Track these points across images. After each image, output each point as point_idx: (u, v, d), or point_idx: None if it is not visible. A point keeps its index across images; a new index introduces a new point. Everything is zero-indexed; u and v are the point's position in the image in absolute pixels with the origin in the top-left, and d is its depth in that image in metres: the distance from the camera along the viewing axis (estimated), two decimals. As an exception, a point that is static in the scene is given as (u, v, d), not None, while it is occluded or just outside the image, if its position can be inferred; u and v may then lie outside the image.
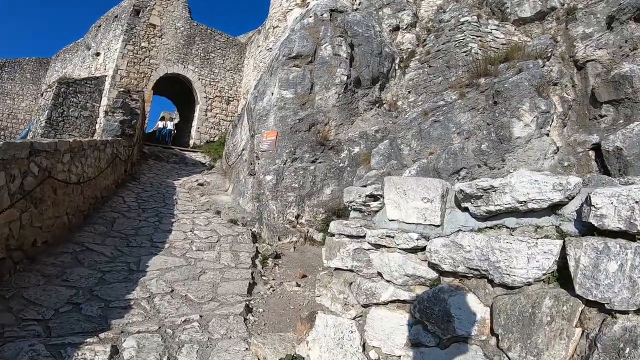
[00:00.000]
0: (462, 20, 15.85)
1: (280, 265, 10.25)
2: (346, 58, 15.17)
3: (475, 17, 15.94)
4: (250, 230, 12.67)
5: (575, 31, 14.32)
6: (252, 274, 8.93)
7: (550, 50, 14.49)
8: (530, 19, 15.98)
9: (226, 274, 8.69)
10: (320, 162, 13.77)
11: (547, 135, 12.28)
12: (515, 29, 16.27)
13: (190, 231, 11.42)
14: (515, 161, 11.26)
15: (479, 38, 15.50)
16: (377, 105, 15.56)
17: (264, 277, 9.14)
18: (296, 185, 13.28)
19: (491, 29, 15.87)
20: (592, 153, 11.87)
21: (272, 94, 15.02)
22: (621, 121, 12.03)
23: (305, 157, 13.71)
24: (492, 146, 11.57)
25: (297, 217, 13.06)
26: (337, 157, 13.92)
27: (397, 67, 16.54)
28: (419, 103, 15.36)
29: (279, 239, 12.44)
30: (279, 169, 13.52)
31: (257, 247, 11.00)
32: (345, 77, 14.80)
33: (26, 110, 36.37)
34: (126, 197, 14.27)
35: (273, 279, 9.16)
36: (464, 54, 15.12)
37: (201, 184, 18.11)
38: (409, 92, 16.13)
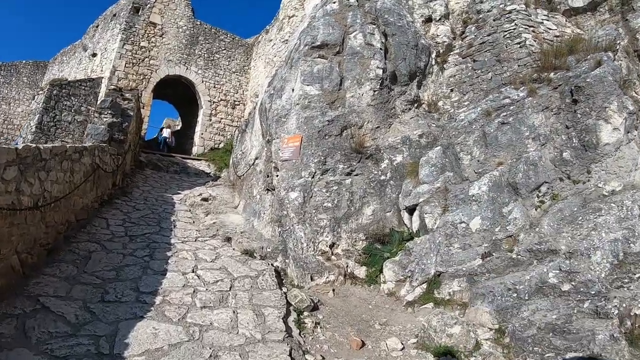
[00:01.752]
0: (508, 8, 12.89)
1: (323, 325, 7.12)
2: (380, 49, 12.09)
3: (524, 6, 13.01)
4: (272, 265, 9.41)
5: (636, 22, 12.08)
6: (289, 351, 5.67)
7: (618, 42, 11.81)
8: (583, 10, 13.39)
9: (251, 358, 5.46)
10: (357, 175, 10.67)
11: (633, 141, 9.44)
12: (565, 20, 13.54)
13: (192, 271, 8.19)
14: (603, 173, 8.54)
15: (532, 28, 12.54)
16: (415, 105, 12.50)
17: (307, 355, 5.88)
18: (329, 204, 10.17)
19: (542, 19, 13.03)
20: None
21: (293, 90, 11.88)
22: None
23: (339, 169, 10.60)
24: (574, 154, 8.85)
25: (332, 246, 9.93)
26: (376, 168, 10.83)
27: (433, 63, 13.42)
28: (465, 103, 12.47)
29: (312, 278, 9.23)
30: (305, 183, 10.38)
31: (286, 295, 7.80)
32: (381, 70, 11.72)
33: (22, 115, 32.80)
34: (111, 219, 10.79)
35: (321, 356, 5.99)
36: (518, 45, 12.07)
37: (205, 199, 14.71)
38: (451, 90, 13.08)
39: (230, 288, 7.70)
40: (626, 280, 7.02)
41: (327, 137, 10.80)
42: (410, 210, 10.12)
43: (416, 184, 10.22)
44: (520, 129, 9.34)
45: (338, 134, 10.87)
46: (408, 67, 12.44)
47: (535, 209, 8.65)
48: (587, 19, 13.48)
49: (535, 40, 12.26)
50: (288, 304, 7.48)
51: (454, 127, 10.46)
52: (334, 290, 8.85)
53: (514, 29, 12.35)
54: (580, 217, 7.96)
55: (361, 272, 9.48)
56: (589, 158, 8.74)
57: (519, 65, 11.72)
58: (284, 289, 8.24)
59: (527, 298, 7.36)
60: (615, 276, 7.11)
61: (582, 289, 6.99)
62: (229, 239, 10.74)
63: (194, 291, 7.25)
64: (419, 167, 10.35)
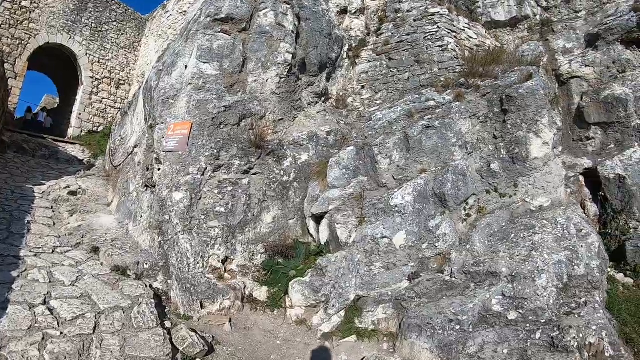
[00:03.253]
0: (431, 11, 12.11)
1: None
2: (292, 32, 10.55)
3: (447, 11, 12.41)
4: (151, 287, 7.30)
5: (556, 44, 12.35)
6: None
7: (542, 58, 11.73)
8: (503, 24, 13.22)
9: None
10: (256, 174, 8.98)
11: (558, 157, 9.09)
12: (485, 32, 13.14)
13: (44, 302, 5.90)
14: (531, 187, 8.13)
15: (454, 34, 11.92)
16: (323, 99, 11.24)
17: None
18: (222, 209, 8.35)
19: (463, 27, 12.49)
20: (582, 178, 10.34)
21: (186, 67, 9.91)
22: (612, 146, 10.65)
23: (235, 165, 8.82)
24: (502, 166, 8.24)
25: (225, 261, 8.15)
26: (278, 167, 9.24)
27: (345, 56, 12.22)
28: (378, 101, 11.41)
29: (202, 305, 7.28)
30: (194, 182, 8.42)
31: (170, 337, 5.84)
32: (290, 56, 10.16)
33: None
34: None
35: None
36: (440, 48, 11.23)
37: (73, 193, 11.89)
38: (362, 87, 11.96)
39: (95, 329, 5.55)
40: (573, 306, 6.50)
41: (222, 126, 9.01)
42: (318, 219, 8.67)
43: (324, 188, 8.81)
44: (447, 135, 8.34)
45: (236, 123, 9.13)
46: (319, 57, 11.06)
47: (462, 222, 7.78)
48: (505, 33, 13.29)
49: (457, 46, 11.46)
50: (174, 349, 5.58)
51: (371, 127, 9.19)
52: (231, 320, 7.01)
53: (437, 31, 11.46)
54: (514, 235, 7.29)
55: (262, 293, 7.79)
56: (517, 171, 8.13)
57: (439, 69, 10.90)
58: (168, 324, 6.33)
59: (471, 330, 6.39)
60: (562, 301, 6.55)
61: (531, 318, 6.31)
62: (96, 250, 8.32)
63: (43, 338, 5.07)
64: (327, 168, 8.96)
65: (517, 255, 6.92)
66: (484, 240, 7.38)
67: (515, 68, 9.60)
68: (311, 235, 8.89)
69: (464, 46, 11.81)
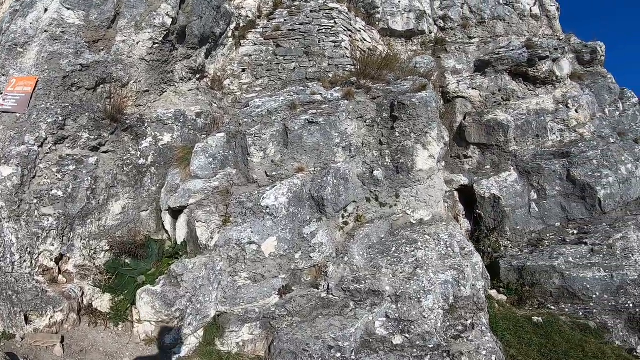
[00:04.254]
0: (330, 5, 11.73)
1: None
2: (178, -8, 9.40)
3: (346, 9, 12.17)
4: None
5: (447, 63, 13.01)
6: None
7: (434, 73, 12.06)
8: (399, 34, 13.56)
9: None
10: (107, 152, 7.77)
11: (441, 172, 9.27)
12: (380, 38, 13.26)
13: None
14: (413, 200, 8.02)
15: (350, 33, 11.69)
16: (197, 76, 10.17)
17: None
18: (60, 192, 7.02)
19: (360, 28, 12.37)
20: (456, 194, 10.86)
21: (47, 10, 8.41)
22: (488, 167, 11.40)
23: (83, 139, 7.56)
24: (386, 175, 8.01)
25: (60, 259, 6.84)
26: (135, 147, 8.11)
27: (230, 34, 11.34)
28: (257, 88, 10.71)
29: (27, 319, 5.88)
30: (28, 154, 6.97)
31: None
32: (171, 20, 8.98)
33: None
34: None
35: None
36: (333, 44, 10.92)
37: None
38: (243, 70, 11.10)
39: None
40: (460, 328, 6.31)
41: (74, 89, 7.71)
42: (175, 213, 7.63)
43: (186, 177, 7.82)
44: (331, 134, 7.79)
45: (92, 87, 7.88)
46: (202, 29, 9.99)
47: (339, 231, 7.28)
48: (399, 44, 13.56)
49: (351, 45, 11.28)
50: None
51: (247, 114, 8.31)
52: (63, 340, 5.73)
53: (333, 27, 11.11)
54: (395, 249, 6.95)
55: (104, 303, 6.62)
56: (400, 181, 7.93)
57: (329, 64, 10.56)
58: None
59: (353, 357, 5.73)
60: (449, 323, 6.33)
61: (418, 342, 5.89)
62: None
63: None
64: (192, 154, 7.97)
65: (401, 273, 6.53)
66: (363, 252, 6.92)
67: (409, 77, 9.51)
68: (167, 232, 7.82)
69: (357, 47, 11.58)
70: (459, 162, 11.55)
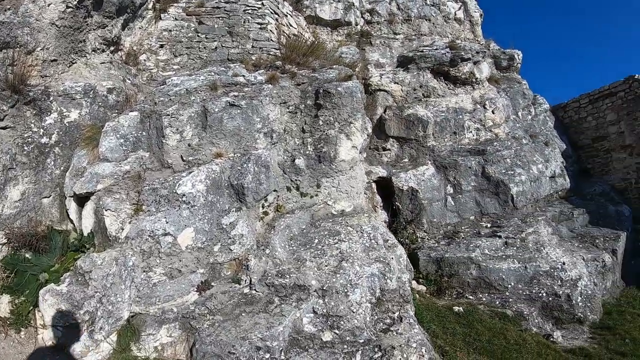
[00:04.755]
0: None
1: None
2: (99, -47, 8.49)
3: None
4: None
5: (371, 56, 13.01)
6: None
7: (357, 64, 12.10)
8: (325, 23, 13.40)
9: None
10: (5, 128, 6.79)
11: (362, 163, 9.35)
12: (306, 25, 12.96)
13: None
14: (334, 190, 7.89)
15: (277, 16, 11.28)
16: (112, 48, 9.32)
17: None
18: None
19: (287, 12, 12.00)
20: (374, 186, 10.77)
21: None
22: (406, 160, 11.57)
23: None
24: (308, 164, 7.82)
25: None
26: (38, 123, 7.20)
27: (150, 6, 10.50)
28: (175, 66, 9.97)
29: None
30: None
31: None
32: None
33: None
34: None
35: None
36: (259, 26, 10.48)
37: None
38: (162, 46, 10.26)
39: None
40: (389, 321, 6.21)
41: None
42: (82, 200, 6.77)
43: (94, 160, 7.07)
44: (253, 118, 7.45)
45: None
46: None
47: (260, 221, 6.94)
48: (324, 33, 13.35)
49: (276, 29, 10.93)
50: None
51: (164, 92, 7.78)
52: None
53: (260, 8, 10.63)
54: (318, 240, 6.77)
55: (2, 306, 5.67)
56: (322, 171, 7.79)
57: (253, 47, 10.10)
58: None
59: (283, 357, 5.36)
60: (377, 317, 6.21)
61: (348, 338, 5.68)
62: None
63: None
64: (101, 134, 7.20)
65: (326, 266, 6.33)
66: (285, 244, 6.66)
67: (335, 66, 9.41)
68: (72, 222, 6.94)
69: (283, 32, 11.24)
70: (377, 154, 11.66)
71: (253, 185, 6.73)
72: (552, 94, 27.08)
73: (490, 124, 12.53)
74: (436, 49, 12.64)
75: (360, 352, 5.44)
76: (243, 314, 5.65)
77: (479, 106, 12.64)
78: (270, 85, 8.00)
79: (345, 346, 5.47)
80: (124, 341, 5.48)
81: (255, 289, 5.99)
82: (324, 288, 5.94)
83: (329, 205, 7.59)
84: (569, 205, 12.17)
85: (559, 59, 67.90)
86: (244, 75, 8.25)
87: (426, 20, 14.24)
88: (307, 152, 7.75)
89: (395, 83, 12.37)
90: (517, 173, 11.31)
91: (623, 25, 66.49)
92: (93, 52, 8.68)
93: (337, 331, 5.64)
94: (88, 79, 8.14)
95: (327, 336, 5.58)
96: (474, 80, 12.95)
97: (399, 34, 13.86)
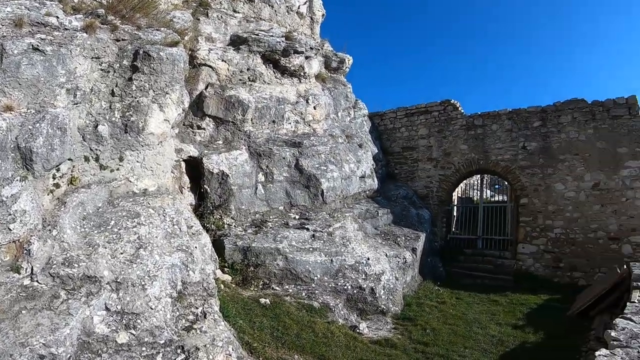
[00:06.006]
0: None
1: None
2: None
3: None
4: None
5: (205, 28, 12.48)
6: None
7: (187, 33, 11.33)
8: None
9: None
10: None
11: (172, 139, 9.03)
12: None
13: None
14: (138, 165, 7.40)
15: None
16: None
17: None
18: None
19: None
20: (184, 165, 10.11)
21: None
22: (220, 142, 11.32)
23: None
24: (112, 132, 7.15)
25: None
26: None
27: None
28: None
29: None
30: None
31: None
32: None
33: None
34: None
35: None
36: None
37: None
38: None
39: None
40: (192, 318, 5.73)
41: None
42: None
43: None
44: (57, 70, 6.52)
45: None
46: None
47: (49, 195, 5.94)
48: None
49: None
50: None
51: None
52: None
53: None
54: (114, 222, 6.07)
55: None
56: (127, 142, 7.21)
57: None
58: None
59: None
60: (179, 313, 5.68)
61: (147, 339, 5.02)
62: None
63: None
64: None
65: (122, 253, 5.60)
66: (76, 225, 5.79)
67: (163, 28, 8.80)
68: None
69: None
70: (191, 132, 11.17)
71: (44, 151, 5.74)
72: (373, 103, 29.48)
73: (311, 118, 13.01)
74: (272, 36, 12.72)
75: (161, 354, 4.89)
76: (24, 312, 4.62)
77: (302, 100, 13.02)
78: (85, 35, 7.12)
79: (144, 348, 4.86)
80: None
81: (37, 280, 5.00)
82: (119, 280, 5.25)
83: (130, 182, 7.02)
84: (375, 205, 13.43)
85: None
86: (58, 17, 7.14)
87: (269, 6, 14.27)
88: (114, 119, 7.06)
89: (223, 61, 12.08)
90: (329, 169, 11.95)
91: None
92: None
93: (134, 331, 4.98)
94: None
95: (123, 337, 4.88)
96: (302, 74, 13.33)
97: (239, 12, 13.61)
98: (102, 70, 7.29)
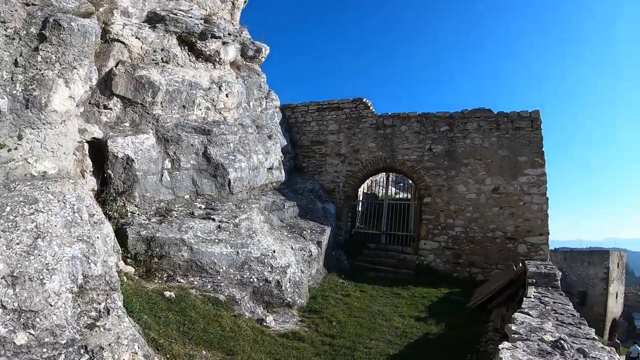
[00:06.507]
0: None
1: None
2: None
3: None
4: None
5: (122, 1, 11.38)
6: None
7: (102, 4, 10.62)
8: None
9: None
10: None
11: (78, 119, 8.53)
12: None
13: None
14: (38, 145, 6.75)
15: None
16: None
17: None
18: None
19: None
20: (87, 147, 9.28)
21: None
22: (127, 124, 10.59)
23: None
24: (13, 107, 6.52)
25: None
26: None
27: None
28: None
29: None
30: None
31: None
32: None
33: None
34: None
35: None
36: None
37: None
38: None
39: None
40: (94, 314, 5.26)
41: None
42: None
43: None
44: None
45: None
46: None
47: None
48: None
49: None
50: None
51: None
52: None
53: None
54: (10, 208, 5.43)
55: None
56: (28, 119, 6.62)
57: None
58: None
59: None
60: (80, 309, 5.17)
61: (47, 340, 4.52)
62: None
63: None
64: None
65: (18, 244, 4.98)
66: None
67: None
68: None
69: None
70: (97, 111, 10.20)
71: None
72: (288, 96, 29.38)
73: (222, 106, 12.79)
74: (191, 17, 12.31)
75: (63, 355, 4.45)
76: None
77: (215, 86, 12.74)
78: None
79: (45, 349, 4.38)
80: None
81: None
82: (15, 274, 4.65)
83: (29, 163, 6.41)
84: (282, 197, 13.53)
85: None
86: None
87: (190, -15, 13.66)
88: (15, 92, 6.41)
89: (137, 38, 11.34)
90: (237, 159, 11.86)
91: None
92: None
93: (33, 331, 4.46)
94: None
95: (22, 338, 4.34)
96: (217, 59, 13.06)
97: (155, -12, 12.89)
98: (7, 36, 6.55)
